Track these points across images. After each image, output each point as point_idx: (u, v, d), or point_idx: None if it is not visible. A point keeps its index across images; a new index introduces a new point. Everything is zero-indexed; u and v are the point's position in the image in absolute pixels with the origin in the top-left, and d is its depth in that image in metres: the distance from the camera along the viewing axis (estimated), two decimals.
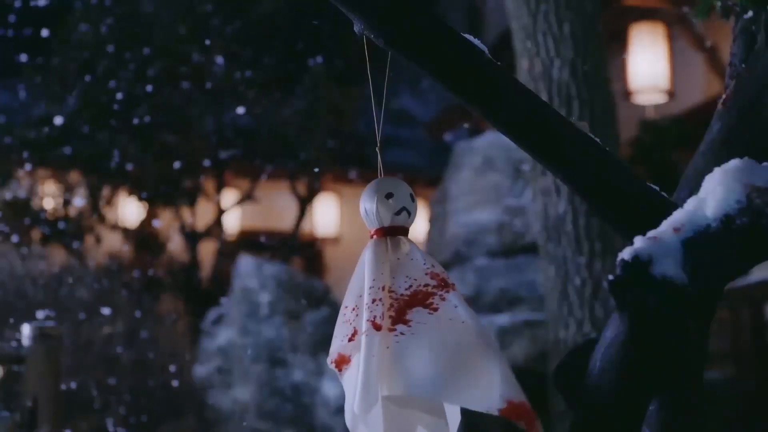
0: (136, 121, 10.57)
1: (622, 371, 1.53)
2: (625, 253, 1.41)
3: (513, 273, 7.93)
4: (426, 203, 12.22)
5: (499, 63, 1.70)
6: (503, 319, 7.44)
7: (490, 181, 8.42)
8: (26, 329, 4.34)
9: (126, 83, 10.67)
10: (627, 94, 9.03)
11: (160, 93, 10.78)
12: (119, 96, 10.60)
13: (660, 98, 9.17)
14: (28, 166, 10.80)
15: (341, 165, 12.27)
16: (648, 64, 8.93)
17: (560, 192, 5.74)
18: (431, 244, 8.96)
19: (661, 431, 1.77)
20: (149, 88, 10.67)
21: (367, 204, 1.80)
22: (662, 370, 1.53)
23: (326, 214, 13.77)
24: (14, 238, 9.17)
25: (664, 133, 8.87)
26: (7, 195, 10.55)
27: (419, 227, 12.31)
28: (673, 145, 8.65)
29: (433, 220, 9.18)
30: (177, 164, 10.79)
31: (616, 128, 5.99)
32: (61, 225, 10.63)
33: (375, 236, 1.80)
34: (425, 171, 13.52)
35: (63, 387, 5.05)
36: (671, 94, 9.10)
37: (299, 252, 12.87)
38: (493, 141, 8.58)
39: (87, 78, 10.62)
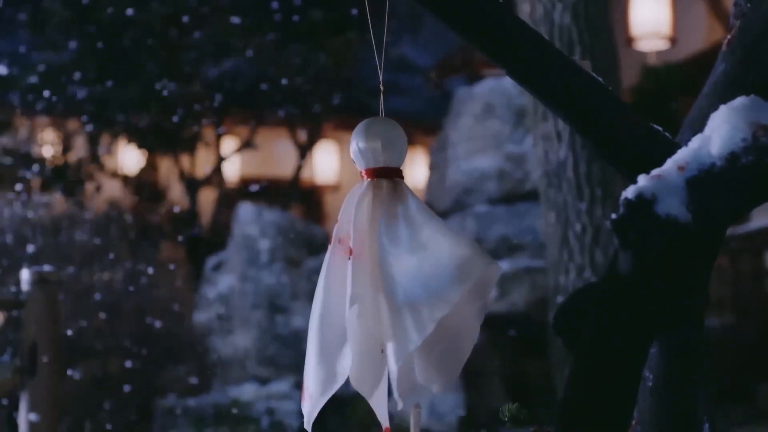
0: (135, 68, 10.52)
1: (624, 311, 1.51)
2: (629, 192, 1.39)
3: (513, 220, 7.93)
4: (426, 151, 12.19)
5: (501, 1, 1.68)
6: (503, 265, 7.44)
7: (490, 128, 8.39)
8: (25, 274, 4.33)
9: (125, 30, 10.60)
10: (629, 40, 8.98)
11: (160, 40, 10.72)
12: (118, 43, 10.54)
13: (662, 45, 9.12)
14: (27, 114, 10.77)
15: (341, 112, 12.22)
16: (650, 10, 8.86)
17: (561, 138, 5.72)
18: (431, 191, 8.94)
19: (662, 374, 1.77)
20: (149, 34, 10.61)
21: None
22: (664, 310, 1.52)
23: (326, 162, 13.76)
24: (14, 186, 9.15)
25: (665, 79, 8.82)
26: (7, 142, 10.51)
27: (419, 175, 12.29)
28: (675, 93, 8.60)
29: (433, 168, 9.16)
30: (177, 111, 10.75)
31: (618, 74, 5.95)
32: (60, 172, 10.61)
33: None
34: (425, 118, 13.45)
35: (63, 332, 5.06)
36: (673, 40, 9.05)
37: (299, 199, 12.86)
38: (493, 87, 8.54)
39: (86, 25, 10.55)
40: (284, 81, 11.22)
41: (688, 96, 8.03)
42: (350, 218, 1.80)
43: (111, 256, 7.50)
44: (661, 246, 1.39)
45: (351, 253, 1.75)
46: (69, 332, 6.36)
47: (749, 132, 1.41)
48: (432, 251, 1.74)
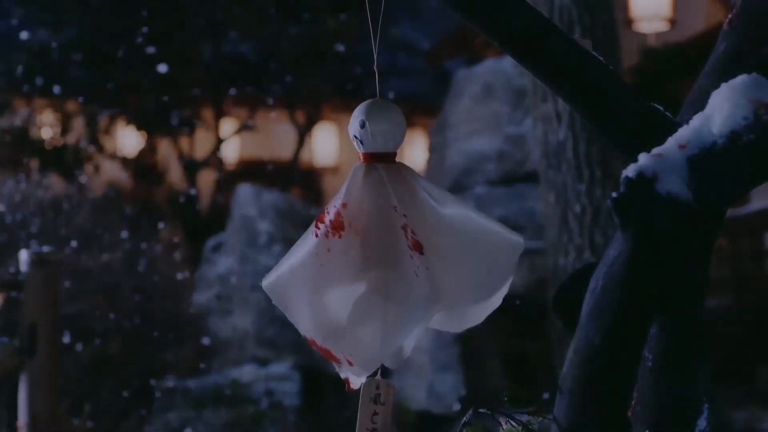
0: (135, 49, 10.50)
1: (624, 290, 1.51)
2: (630, 170, 1.38)
3: (513, 201, 7.92)
4: (425, 132, 12.17)
5: None
6: None
7: (489, 109, 8.36)
8: (24, 255, 4.32)
9: (125, 11, 10.57)
10: (629, 21, 8.96)
11: (159, 21, 10.69)
12: (118, 24, 10.51)
13: (662, 26, 9.10)
14: (26, 95, 10.76)
15: (340, 94, 12.21)
16: None
17: (561, 118, 5.70)
18: (430, 172, 8.93)
19: (662, 355, 1.76)
20: (148, 15, 10.58)
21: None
22: (665, 289, 1.51)
23: (325, 144, 13.77)
24: (13, 167, 9.15)
25: (665, 61, 8.81)
26: (6, 124, 10.50)
27: (418, 156, 12.29)
28: (675, 74, 8.59)
29: (433, 149, 9.14)
30: (176, 93, 10.73)
31: (618, 55, 5.93)
32: (59, 154, 10.60)
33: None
34: (425, 99, 13.44)
35: (62, 313, 5.05)
36: (673, 21, 9.03)
37: (298, 181, 12.86)
38: (493, 68, 8.51)
39: (84, 4, 10.53)
40: (283, 62, 11.20)
41: (688, 78, 8.02)
42: (360, 203, 1.76)
43: (110, 237, 7.50)
44: (661, 224, 1.38)
45: (421, 248, 1.71)
46: (68, 313, 6.36)
47: (751, 110, 1.41)
48: (479, 231, 1.75)
